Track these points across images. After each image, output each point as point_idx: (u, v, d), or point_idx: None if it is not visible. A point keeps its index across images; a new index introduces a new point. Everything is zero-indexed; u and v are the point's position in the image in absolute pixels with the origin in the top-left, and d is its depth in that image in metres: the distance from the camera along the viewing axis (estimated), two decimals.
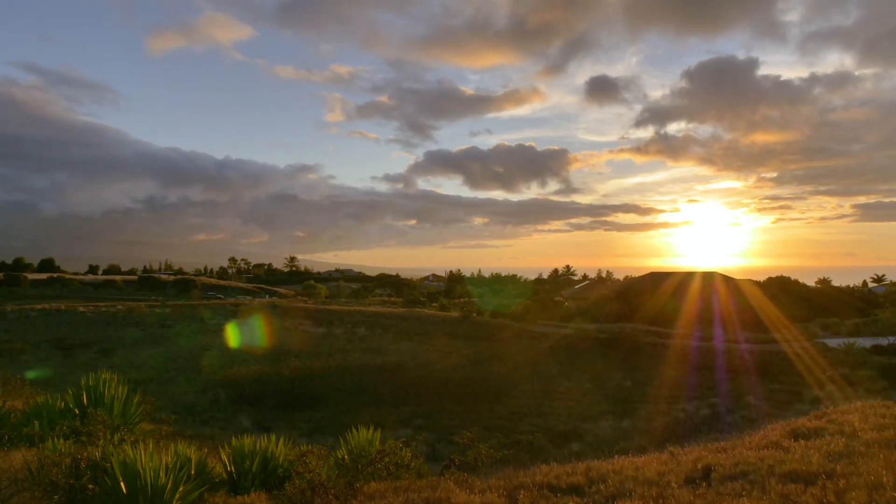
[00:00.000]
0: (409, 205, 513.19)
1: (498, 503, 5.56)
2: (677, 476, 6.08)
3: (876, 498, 4.78)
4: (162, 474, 5.40)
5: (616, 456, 7.78)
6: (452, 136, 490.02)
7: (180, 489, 5.48)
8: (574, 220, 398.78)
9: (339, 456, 7.40)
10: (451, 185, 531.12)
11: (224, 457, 6.69)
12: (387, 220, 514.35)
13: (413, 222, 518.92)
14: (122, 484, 5.29)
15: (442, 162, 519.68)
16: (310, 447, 6.94)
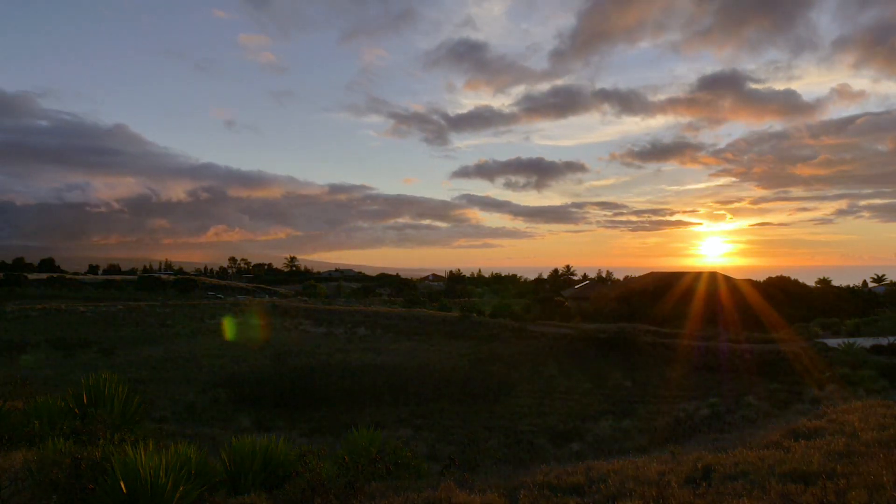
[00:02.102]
0: (425, 207, 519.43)
1: (498, 503, 5.56)
2: (678, 476, 6.09)
3: (876, 498, 4.78)
4: (162, 474, 5.40)
5: (616, 456, 7.78)
6: (483, 147, 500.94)
7: (180, 489, 5.48)
8: (587, 220, 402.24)
9: (340, 456, 7.40)
10: (475, 191, 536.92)
11: (224, 457, 6.69)
12: (403, 219, 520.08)
13: (426, 222, 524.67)
14: (122, 484, 5.29)
15: (464, 170, 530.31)
16: (310, 447, 6.94)
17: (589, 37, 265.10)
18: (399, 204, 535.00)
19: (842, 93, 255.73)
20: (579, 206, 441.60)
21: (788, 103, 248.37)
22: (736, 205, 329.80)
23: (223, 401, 18.71)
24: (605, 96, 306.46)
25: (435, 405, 18.04)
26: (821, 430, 7.84)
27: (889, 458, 5.79)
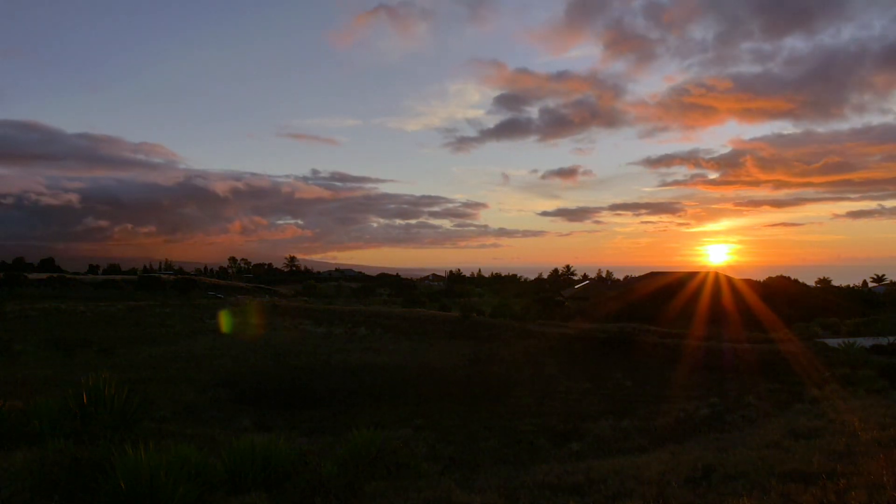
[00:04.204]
0: (440, 208, 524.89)
1: (498, 503, 5.56)
2: (678, 476, 6.09)
3: (876, 498, 4.78)
4: (162, 474, 5.40)
5: (616, 456, 7.78)
6: (502, 154, 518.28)
7: (180, 489, 5.48)
8: (601, 221, 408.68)
9: (340, 456, 7.40)
10: (491, 194, 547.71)
11: (224, 457, 6.69)
12: (418, 219, 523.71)
13: (437, 222, 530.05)
14: (122, 484, 5.29)
15: (483, 176, 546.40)
16: (310, 447, 6.93)
17: (612, 54, 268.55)
18: (415, 204, 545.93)
19: (860, 100, 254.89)
20: (595, 209, 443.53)
21: (802, 107, 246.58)
22: (744, 207, 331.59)
23: (223, 401, 18.71)
24: (626, 107, 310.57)
25: (435, 405, 18.03)
26: (821, 430, 7.85)
27: (889, 458, 5.79)
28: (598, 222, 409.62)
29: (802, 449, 6.68)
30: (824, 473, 5.52)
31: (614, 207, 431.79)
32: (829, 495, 4.89)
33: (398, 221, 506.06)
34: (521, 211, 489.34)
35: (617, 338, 28.64)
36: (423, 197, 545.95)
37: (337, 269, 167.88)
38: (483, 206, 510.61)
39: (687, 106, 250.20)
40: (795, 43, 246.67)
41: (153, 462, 5.43)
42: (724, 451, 7.15)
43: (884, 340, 26.88)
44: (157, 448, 6.00)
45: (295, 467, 6.56)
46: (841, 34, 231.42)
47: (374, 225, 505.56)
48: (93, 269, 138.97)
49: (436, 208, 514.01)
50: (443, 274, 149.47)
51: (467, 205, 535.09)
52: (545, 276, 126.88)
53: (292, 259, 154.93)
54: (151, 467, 5.38)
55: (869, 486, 5.00)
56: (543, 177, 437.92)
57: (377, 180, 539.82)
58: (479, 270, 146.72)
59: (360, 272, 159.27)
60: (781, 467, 5.92)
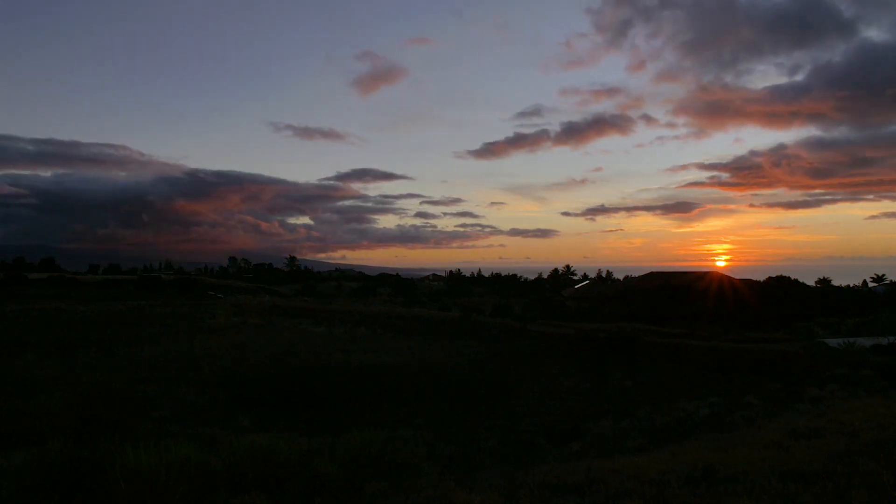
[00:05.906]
0: (454, 209, 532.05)
1: (498, 503, 5.56)
2: (678, 476, 6.09)
3: (876, 498, 4.78)
4: (162, 474, 5.40)
5: (616, 456, 7.78)
6: (521, 162, 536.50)
7: (180, 489, 5.48)
8: (611, 219, 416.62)
9: (340, 455, 7.40)
10: (507, 196, 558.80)
11: (224, 456, 6.69)
12: (433, 219, 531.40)
13: (447, 222, 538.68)
14: (122, 484, 5.29)
15: (499, 180, 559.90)
16: (310, 446, 6.93)
17: (632, 65, 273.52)
18: (428, 204, 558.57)
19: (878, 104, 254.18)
20: (612, 209, 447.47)
21: (817, 112, 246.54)
22: (759, 209, 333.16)
23: (223, 401, 18.70)
24: (644, 112, 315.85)
25: (435, 405, 18.03)
26: (821, 430, 7.85)
27: (889, 458, 5.79)
28: (614, 223, 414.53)
29: (802, 449, 6.68)
30: (824, 473, 5.52)
31: (630, 209, 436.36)
32: (829, 495, 4.89)
33: (409, 221, 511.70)
34: (533, 212, 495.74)
35: (617, 338, 28.65)
36: (435, 198, 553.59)
37: (337, 269, 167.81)
38: (498, 205, 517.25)
39: (706, 111, 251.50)
40: (812, 52, 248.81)
41: (153, 462, 5.44)
42: (724, 451, 7.15)
43: (884, 340, 26.89)
44: (157, 448, 6.00)
45: (295, 467, 6.56)
46: (860, 43, 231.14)
47: (386, 225, 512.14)
48: (93, 268, 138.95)
49: (448, 209, 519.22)
50: (443, 274, 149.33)
51: (480, 205, 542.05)
52: (545, 275, 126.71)
53: (292, 259, 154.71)
54: (151, 467, 5.38)
55: (869, 486, 5.00)
56: (560, 179, 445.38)
57: (391, 179, 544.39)
58: (479, 270, 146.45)
59: (361, 272, 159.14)
60: (781, 467, 5.92)
